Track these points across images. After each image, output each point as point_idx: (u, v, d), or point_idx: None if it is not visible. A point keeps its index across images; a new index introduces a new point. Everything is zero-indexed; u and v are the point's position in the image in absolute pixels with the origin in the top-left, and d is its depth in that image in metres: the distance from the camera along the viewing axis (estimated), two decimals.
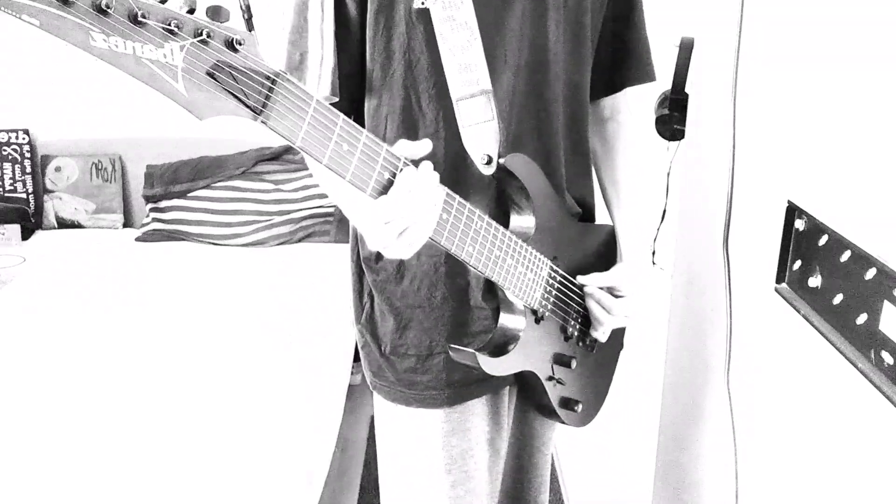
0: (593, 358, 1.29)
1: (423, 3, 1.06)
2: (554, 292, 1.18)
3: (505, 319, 1.15)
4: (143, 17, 0.70)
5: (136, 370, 2.15)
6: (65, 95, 3.21)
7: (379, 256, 1.18)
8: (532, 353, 1.16)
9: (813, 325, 1.06)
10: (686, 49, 1.53)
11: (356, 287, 1.25)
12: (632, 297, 1.24)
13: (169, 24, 0.71)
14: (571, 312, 1.23)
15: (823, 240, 1.05)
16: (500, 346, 1.13)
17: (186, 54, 0.73)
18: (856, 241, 0.98)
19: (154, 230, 3.21)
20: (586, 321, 1.25)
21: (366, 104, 1.17)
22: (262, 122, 0.79)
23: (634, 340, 1.74)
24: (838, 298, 1.01)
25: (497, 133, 1.08)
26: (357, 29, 1.11)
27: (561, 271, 1.18)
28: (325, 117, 0.84)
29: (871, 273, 0.94)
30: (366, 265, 1.21)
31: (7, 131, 3.30)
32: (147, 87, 0.71)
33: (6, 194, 3.31)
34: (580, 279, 1.22)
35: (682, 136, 1.55)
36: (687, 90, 1.54)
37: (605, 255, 1.28)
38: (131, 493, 1.68)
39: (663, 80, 1.56)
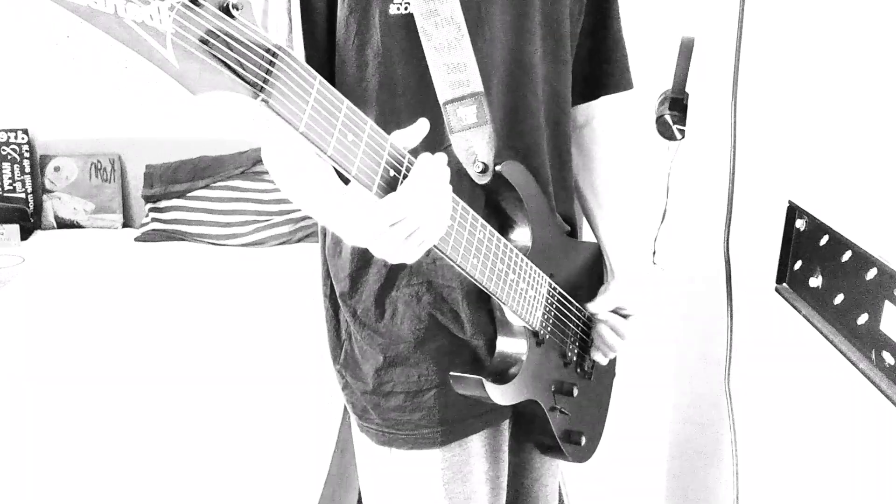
0: (590, 386, 1.20)
1: (401, 9, 0.96)
2: (553, 312, 1.09)
3: (504, 344, 1.06)
4: None
5: (136, 370, 2.15)
6: (64, 95, 3.21)
7: (354, 291, 1.08)
8: (534, 380, 1.07)
9: (813, 326, 1.06)
10: (686, 49, 1.53)
11: (332, 325, 1.14)
12: (637, 317, 1.18)
13: None
14: (569, 335, 1.14)
15: (824, 240, 1.05)
16: (501, 373, 1.04)
17: (176, 16, 0.61)
18: (857, 241, 0.98)
19: (153, 230, 3.21)
20: (583, 345, 1.18)
21: None
22: (262, 101, 0.67)
23: (634, 340, 1.75)
24: (839, 298, 1.01)
25: (490, 138, 0.99)
26: (324, 24, 0.99)
27: (560, 289, 1.10)
28: (330, 101, 0.73)
29: (871, 273, 0.94)
30: (342, 301, 1.10)
31: (6, 131, 3.30)
32: (130, 52, 0.60)
33: (5, 194, 3.31)
34: (591, 307, 1.15)
35: (683, 136, 1.55)
36: (687, 90, 1.54)
37: (593, 274, 1.21)
38: (131, 492, 1.68)
39: (663, 80, 1.57)
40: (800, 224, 1.12)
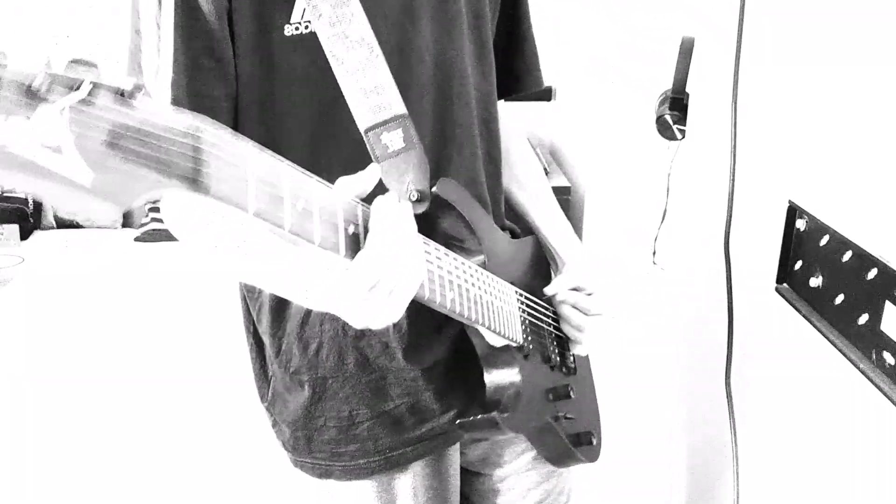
0: (579, 379, 1.16)
1: (298, 29, 0.88)
2: (528, 320, 1.05)
3: (493, 375, 1.01)
4: None
5: (135, 370, 2.15)
6: None
7: (276, 327, 1.03)
8: (533, 396, 1.03)
9: (814, 326, 1.06)
10: (686, 49, 1.53)
11: (258, 363, 1.10)
12: (602, 292, 1.12)
13: (31, 85, 0.48)
14: (546, 336, 1.09)
15: (824, 240, 1.05)
16: (497, 403, 1.00)
17: (73, 119, 0.49)
18: (857, 241, 0.98)
19: (153, 230, 3.21)
20: (560, 342, 1.14)
21: None
22: (202, 193, 0.57)
23: (634, 340, 1.75)
24: (839, 299, 1.01)
25: (421, 162, 0.92)
26: (232, 61, 0.90)
27: (524, 294, 1.05)
28: (269, 169, 0.64)
29: (872, 273, 0.94)
30: (264, 337, 1.05)
31: None
32: (33, 188, 0.48)
33: (4, 194, 3.31)
34: (548, 290, 1.10)
35: (683, 136, 1.55)
36: (687, 90, 1.54)
37: (541, 269, 1.17)
38: (131, 491, 1.68)
39: (663, 80, 1.57)
40: (800, 224, 1.12)
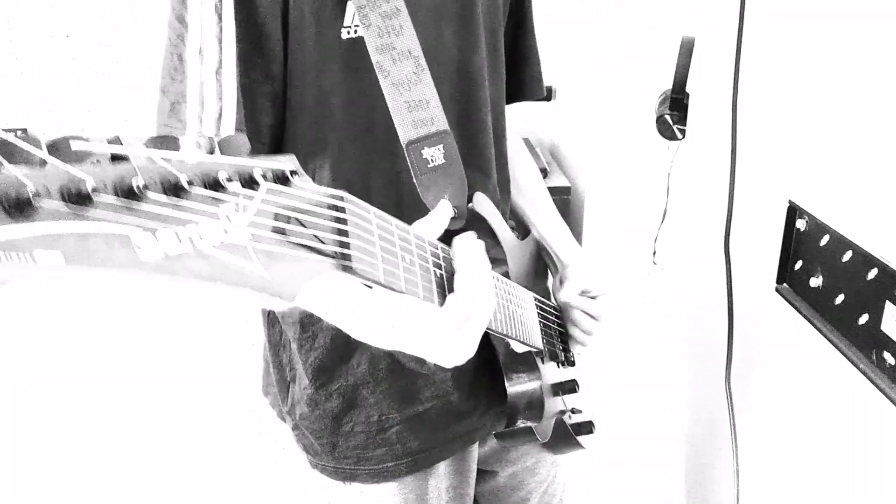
0: (576, 371, 1.20)
1: (351, 32, 0.88)
2: (542, 322, 1.06)
3: (516, 383, 1.04)
4: (190, 182, 0.42)
5: (136, 370, 2.15)
6: (63, 94, 3.21)
7: (307, 336, 1.01)
8: (549, 397, 1.06)
9: (814, 326, 1.06)
10: (686, 49, 1.53)
11: (275, 366, 1.08)
12: (607, 294, 1.14)
13: (217, 181, 0.43)
14: (553, 335, 1.12)
15: (825, 240, 1.05)
16: (523, 410, 1.03)
17: (253, 216, 0.46)
18: (857, 241, 0.98)
19: None
20: (562, 338, 1.16)
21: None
22: (344, 269, 0.52)
23: (634, 340, 1.75)
24: (839, 299, 1.01)
25: (462, 180, 0.92)
26: (281, 53, 0.87)
27: (538, 297, 1.07)
28: (384, 228, 0.60)
29: (872, 273, 0.94)
30: (296, 344, 1.03)
31: (6, 131, 3.30)
32: (218, 290, 0.43)
33: None
34: (560, 296, 1.11)
35: (683, 136, 1.55)
36: (687, 90, 1.54)
37: (541, 266, 1.20)
38: (132, 491, 1.68)
39: (664, 80, 1.57)
40: (800, 224, 1.12)
